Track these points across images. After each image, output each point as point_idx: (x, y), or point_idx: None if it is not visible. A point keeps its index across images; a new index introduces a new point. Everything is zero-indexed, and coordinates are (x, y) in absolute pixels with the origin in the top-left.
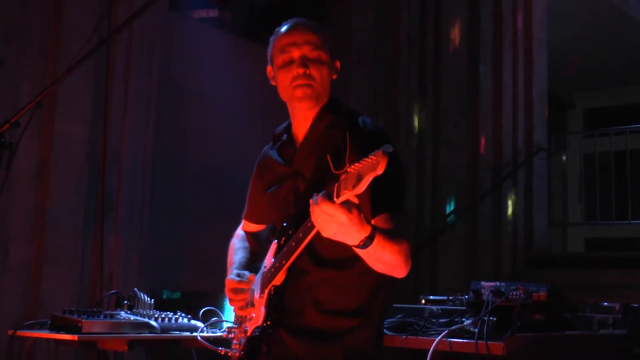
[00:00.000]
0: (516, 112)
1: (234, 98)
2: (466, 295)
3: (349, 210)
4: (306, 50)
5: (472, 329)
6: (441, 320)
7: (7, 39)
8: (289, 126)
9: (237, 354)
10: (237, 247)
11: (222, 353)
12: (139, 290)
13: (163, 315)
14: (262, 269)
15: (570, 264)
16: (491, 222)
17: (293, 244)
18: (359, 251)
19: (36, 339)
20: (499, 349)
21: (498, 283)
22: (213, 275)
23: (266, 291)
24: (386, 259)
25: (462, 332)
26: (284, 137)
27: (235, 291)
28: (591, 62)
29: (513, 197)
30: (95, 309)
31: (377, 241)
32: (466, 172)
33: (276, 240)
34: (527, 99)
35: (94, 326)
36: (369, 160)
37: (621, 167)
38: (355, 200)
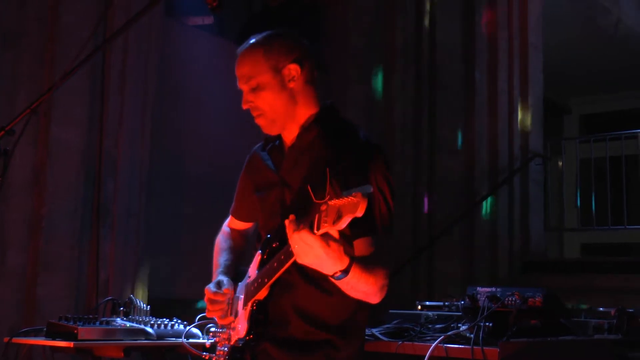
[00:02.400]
0: (512, 117)
1: (231, 103)
2: (462, 300)
3: (327, 244)
4: (243, 85)
5: (468, 334)
6: (437, 326)
7: (3, 45)
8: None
9: None
10: (223, 247)
11: (207, 358)
12: (135, 297)
13: (159, 322)
14: (247, 278)
15: (566, 269)
16: (487, 227)
17: (275, 264)
18: (333, 281)
19: (32, 346)
20: (494, 354)
21: (494, 288)
22: (210, 281)
23: (249, 305)
24: (361, 289)
25: (458, 338)
26: (276, 142)
27: (212, 302)
28: (587, 67)
29: (509, 202)
30: (91, 316)
31: (352, 274)
32: (462, 177)
33: (260, 252)
34: (523, 104)
35: (89, 333)
36: (349, 200)
37: (617, 173)
38: (336, 235)
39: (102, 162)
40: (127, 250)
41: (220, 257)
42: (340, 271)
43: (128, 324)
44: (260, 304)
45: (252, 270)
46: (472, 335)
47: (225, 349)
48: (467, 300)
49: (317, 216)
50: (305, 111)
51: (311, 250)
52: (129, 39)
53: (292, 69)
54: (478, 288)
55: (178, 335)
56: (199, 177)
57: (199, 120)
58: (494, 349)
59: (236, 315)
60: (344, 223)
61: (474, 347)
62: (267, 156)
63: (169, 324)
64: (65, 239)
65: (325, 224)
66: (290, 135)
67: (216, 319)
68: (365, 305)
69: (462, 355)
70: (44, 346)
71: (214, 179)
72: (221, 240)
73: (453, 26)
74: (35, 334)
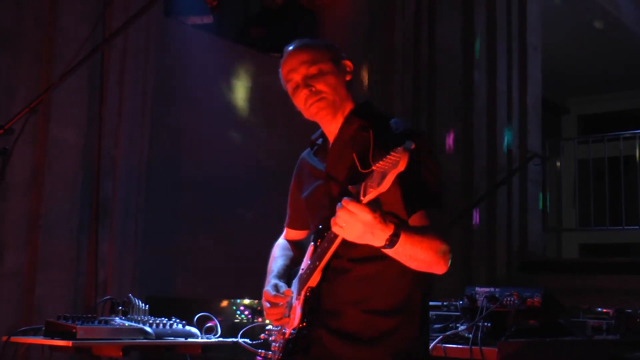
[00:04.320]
0: (510, 117)
1: (229, 103)
2: (461, 300)
3: (374, 210)
4: (304, 71)
5: (466, 334)
6: (436, 325)
7: (1, 45)
8: (322, 132)
9: (276, 357)
10: (277, 255)
11: (262, 355)
12: (134, 296)
13: (157, 321)
14: (300, 271)
15: (564, 269)
16: (486, 227)
17: (325, 244)
18: (388, 252)
19: (30, 345)
20: (493, 354)
21: (492, 289)
22: (208, 281)
23: (302, 292)
24: (419, 256)
25: (456, 338)
26: (319, 141)
27: (272, 305)
28: (585, 68)
29: (507, 202)
30: (89, 315)
31: (404, 238)
32: (461, 177)
33: (313, 243)
34: (522, 104)
35: (88, 332)
36: (391, 157)
37: (615, 173)
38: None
39: (101, 162)
40: (125, 250)
41: (273, 263)
42: (389, 236)
43: (127, 323)
44: (313, 291)
45: (305, 262)
46: (470, 335)
47: (279, 344)
48: (466, 300)
49: (362, 185)
50: (348, 105)
51: (357, 220)
52: (127, 38)
53: (348, 63)
54: (476, 288)
55: (177, 334)
56: (198, 177)
57: (197, 120)
58: (492, 349)
59: (290, 309)
60: (388, 182)
61: (473, 347)
62: (313, 157)
63: (168, 323)
64: (63, 239)
65: (371, 189)
66: (333, 130)
67: (272, 322)
68: (421, 283)
69: (460, 355)
70: (42, 345)
71: (212, 178)
72: (276, 249)
73: (452, 26)
74: (34, 333)
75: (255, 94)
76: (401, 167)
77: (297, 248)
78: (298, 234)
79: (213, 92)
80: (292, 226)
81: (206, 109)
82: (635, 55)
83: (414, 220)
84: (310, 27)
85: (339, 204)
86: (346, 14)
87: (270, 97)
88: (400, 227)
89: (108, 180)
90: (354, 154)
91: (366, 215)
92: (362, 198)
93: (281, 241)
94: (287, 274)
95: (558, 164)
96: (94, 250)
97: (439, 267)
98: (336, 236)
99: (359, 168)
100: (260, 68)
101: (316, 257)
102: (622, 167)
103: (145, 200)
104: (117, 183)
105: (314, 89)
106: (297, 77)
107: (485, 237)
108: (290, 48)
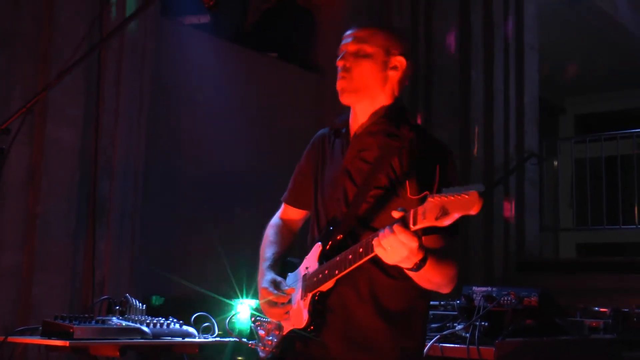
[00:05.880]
0: (507, 117)
1: (226, 103)
2: (458, 300)
3: (419, 238)
4: (349, 44)
5: (463, 334)
6: (433, 325)
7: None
8: (348, 119)
9: (269, 350)
10: (271, 240)
11: (253, 347)
12: (131, 296)
13: (155, 321)
14: (304, 270)
15: (561, 269)
16: (483, 227)
17: (350, 257)
18: (410, 273)
19: (27, 345)
20: (490, 354)
21: (489, 288)
22: (205, 281)
23: (310, 295)
24: (434, 279)
25: (453, 337)
26: (344, 130)
27: (271, 304)
28: (582, 68)
29: (504, 202)
30: (86, 315)
31: (429, 264)
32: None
33: (321, 243)
34: (519, 104)
35: (85, 332)
36: (461, 197)
37: (612, 173)
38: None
39: (98, 162)
40: (122, 249)
41: (267, 249)
42: (418, 261)
43: (124, 323)
44: (322, 295)
45: (311, 262)
46: (467, 335)
47: (274, 339)
48: (463, 299)
49: (412, 212)
50: (383, 101)
51: (404, 247)
52: (124, 38)
53: (400, 60)
54: (474, 287)
55: (174, 334)
56: (194, 177)
57: (194, 119)
58: (489, 348)
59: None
60: (450, 220)
61: (470, 346)
62: (333, 141)
63: (165, 323)
64: (60, 238)
65: (425, 220)
66: (358, 121)
67: (271, 319)
68: (424, 293)
69: (457, 354)
70: (39, 345)
71: (209, 178)
72: (270, 233)
73: (449, 26)
74: (31, 333)
75: (252, 94)
76: (474, 211)
77: (291, 233)
78: (296, 214)
79: (210, 91)
80: (293, 203)
81: (203, 109)
82: (632, 54)
83: (429, 240)
84: (307, 26)
85: (389, 227)
86: (343, 13)
87: (268, 97)
88: (428, 254)
89: (105, 179)
90: (407, 182)
91: (413, 244)
92: (411, 226)
93: (276, 221)
94: (280, 263)
95: (555, 163)
96: (91, 250)
97: (446, 289)
98: (366, 253)
99: (409, 194)
100: (258, 68)
101: (334, 266)
102: (619, 167)
103: (142, 199)
104: (114, 182)
105: (347, 64)
106: (343, 47)
107: (482, 237)
108: (355, 25)
